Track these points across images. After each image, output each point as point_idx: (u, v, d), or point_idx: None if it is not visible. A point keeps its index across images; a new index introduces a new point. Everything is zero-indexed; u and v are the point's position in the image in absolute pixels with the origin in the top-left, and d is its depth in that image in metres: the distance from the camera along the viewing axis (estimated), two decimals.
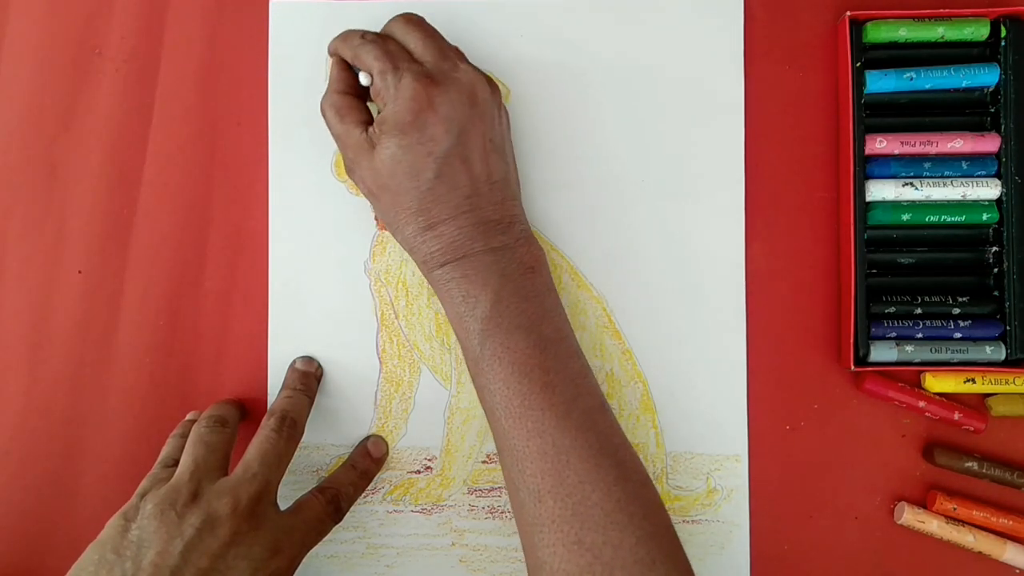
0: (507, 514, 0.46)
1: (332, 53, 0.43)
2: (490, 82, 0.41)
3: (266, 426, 0.42)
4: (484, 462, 0.46)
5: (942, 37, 0.44)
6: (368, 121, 0.41)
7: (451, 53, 0.41)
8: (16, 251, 0.47)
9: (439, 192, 0.39)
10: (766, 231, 0.46)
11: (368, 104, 0.43)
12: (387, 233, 0.47)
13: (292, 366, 0.46)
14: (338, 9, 0.47)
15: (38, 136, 0.48)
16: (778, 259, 0.46)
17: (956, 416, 0.44)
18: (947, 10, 0.44)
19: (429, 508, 0.46)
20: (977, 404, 0.45)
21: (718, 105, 0.46)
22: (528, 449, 0.37)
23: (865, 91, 0.44)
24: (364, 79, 0.41)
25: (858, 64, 0.44)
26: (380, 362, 0.47)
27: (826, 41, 0.46)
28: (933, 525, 0.44)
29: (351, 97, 0.42)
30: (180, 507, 0.38)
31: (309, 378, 0.45)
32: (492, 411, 0.39)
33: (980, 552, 0.44)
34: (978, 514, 0.44)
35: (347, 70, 0.43)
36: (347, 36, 0.42)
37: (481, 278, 0.39)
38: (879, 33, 0.44)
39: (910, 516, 0.44)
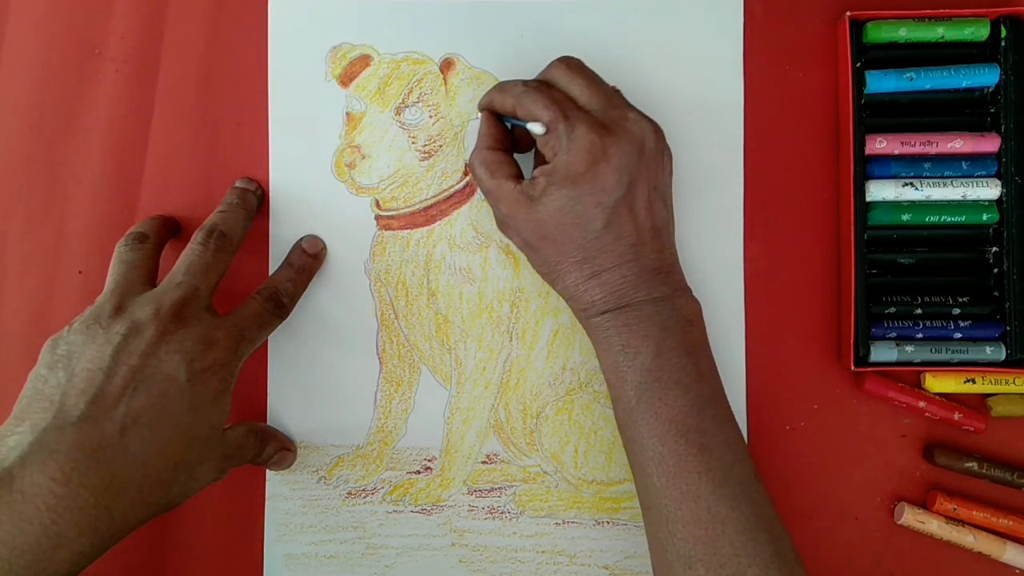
0: (507, 514, 0.46)
1: (484, 107, 0.43)
2: (656, 128, 0.41)
3: (194, 240, 0.42)
4: (484, 462, 0.46)
5: (942, 37, 0.44)
6: (519, 175, 0.41)
7: (616, 99, 0.41)
8: (16, 251, 0.47)
9: (605, 241, 0.39)
10: (766, 231, 0.46)
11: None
12: (387, 233, 0.47)
13: (232, 186, 0.46)
14: (338, 9, 0.47)
15: (38, 136, 0.48)
16: (778, 259, 0.46)
17: (956, 416, 0.44)
18: (947, 10, 0.44)
19: (429, 508, 0.46)
20: (977, 404, 0.45)
21: (718, 105, 0.46)
22: (680, 512, 0.37)
23: (865, 91, 0.44)
24: (538, 128, 0.40)
25: (858, 64, 0.44)
26: (380, 362, 0.47)
27: (826, 41, 0.46)
28: (933, 525, 0.44)
29: (500, 152, 0.42)
30: (104, 320, 0.38)
31: (247, 194, 0.45)
32: (642, 466, 0.39)
33: (980, 552, 0.44)
34: (978, 514, 0.44)
35: (497, 125, 0.43)
36: (505, 87, 0.42)
37: (643, 329, 0.39)
38: (879, 33, 0.44)
39: (910, 516, 0.44)
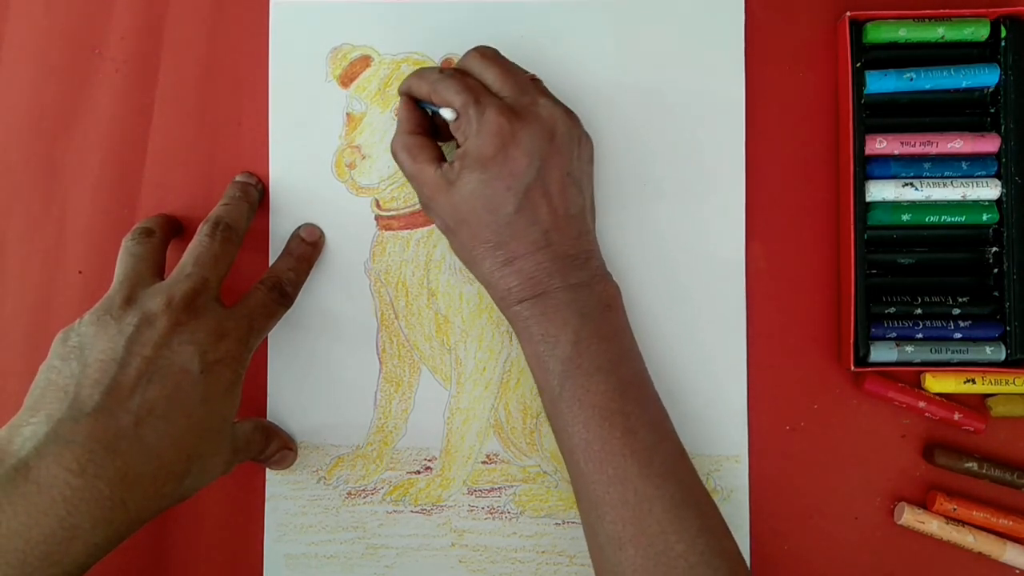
0: (507, 514, 0.46)
1: (403, 92, 0.43)
2: (570, 115, 0.41)
3: (200, 232, 0.42)
4: (484, 462, 0.46)
5: (942, 37, 0.44)
6: (440, 159, 0.41)
7: (530, 87, 0.41)
8: (16, 251, 0.47)
9: (518, 226, 0.39)
10: (766, 231, 0.46)
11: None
12: (387, 233, 0.47)
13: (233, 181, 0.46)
14: (338, 10, 0.47)
15: (38, 136, 0.48)
16: (778, 259, 0.46)
17: (956, 416, 0.44)
18: (947, 10, 0.44)
19: (429, 508, 0.46)
20: (977, 404, 0.45)
21: (718, 105, 0.46)
22: (608, 496, 0.38)
23: (865, 91, 0.44)
24: (448, 114, 0.41)
25: (858, 64, 0.44)
26: (380, 362, 0.47)
27: (826, 41, 0.46)
28: (933, 525, 0.44)
29: (421, 136, 0.42)
30: (116, 311, 0.38)
31: (248, 188, 0.45)
32: (570, 453, 0.39)
33: (980, 553, 0.44)
34: (978, 514, 0.44)
35: (416, 110, 0.43)
36: (422, 73, 0.42)
37: (561, 317, 0.39)
38: (879, 33, 0.44)
39: (910, 516, 0.44)
